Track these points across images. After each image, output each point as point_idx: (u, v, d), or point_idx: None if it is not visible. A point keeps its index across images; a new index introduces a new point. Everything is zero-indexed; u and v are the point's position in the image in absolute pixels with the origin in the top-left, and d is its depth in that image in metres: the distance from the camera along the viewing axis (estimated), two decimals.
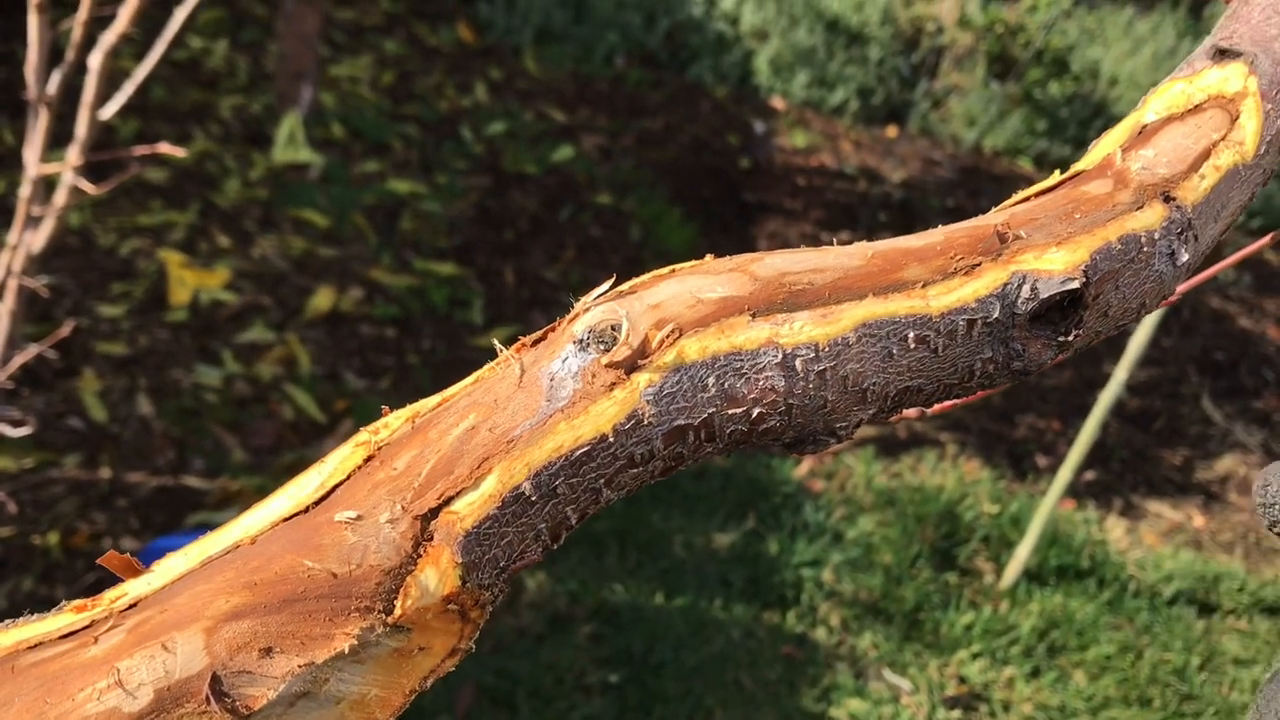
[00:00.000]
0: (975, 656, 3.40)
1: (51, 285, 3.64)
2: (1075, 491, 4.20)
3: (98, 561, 0.40)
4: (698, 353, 0.44)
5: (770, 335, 0.44)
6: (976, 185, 6.02)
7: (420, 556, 0.41)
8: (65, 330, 1.85)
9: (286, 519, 0.41)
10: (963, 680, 3.32)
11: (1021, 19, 6.75)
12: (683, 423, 0.43)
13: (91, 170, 1.92)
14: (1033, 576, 3.69)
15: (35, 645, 0.38)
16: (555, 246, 4.74)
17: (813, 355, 0.44)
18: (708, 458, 0.44)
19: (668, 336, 0.43)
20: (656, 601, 3.34)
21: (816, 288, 0.46)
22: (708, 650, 3.24)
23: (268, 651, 0.38)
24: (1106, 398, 3.21)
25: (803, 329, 0.44)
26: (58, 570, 3.08)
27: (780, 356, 0.44)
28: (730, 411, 0.44)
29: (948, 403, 0.58)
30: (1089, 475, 4.34)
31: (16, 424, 1.68)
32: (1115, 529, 4.09)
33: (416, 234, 4.52)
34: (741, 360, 0.44)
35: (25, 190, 1.86)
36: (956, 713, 3.18)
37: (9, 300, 2.05)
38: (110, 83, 1.93)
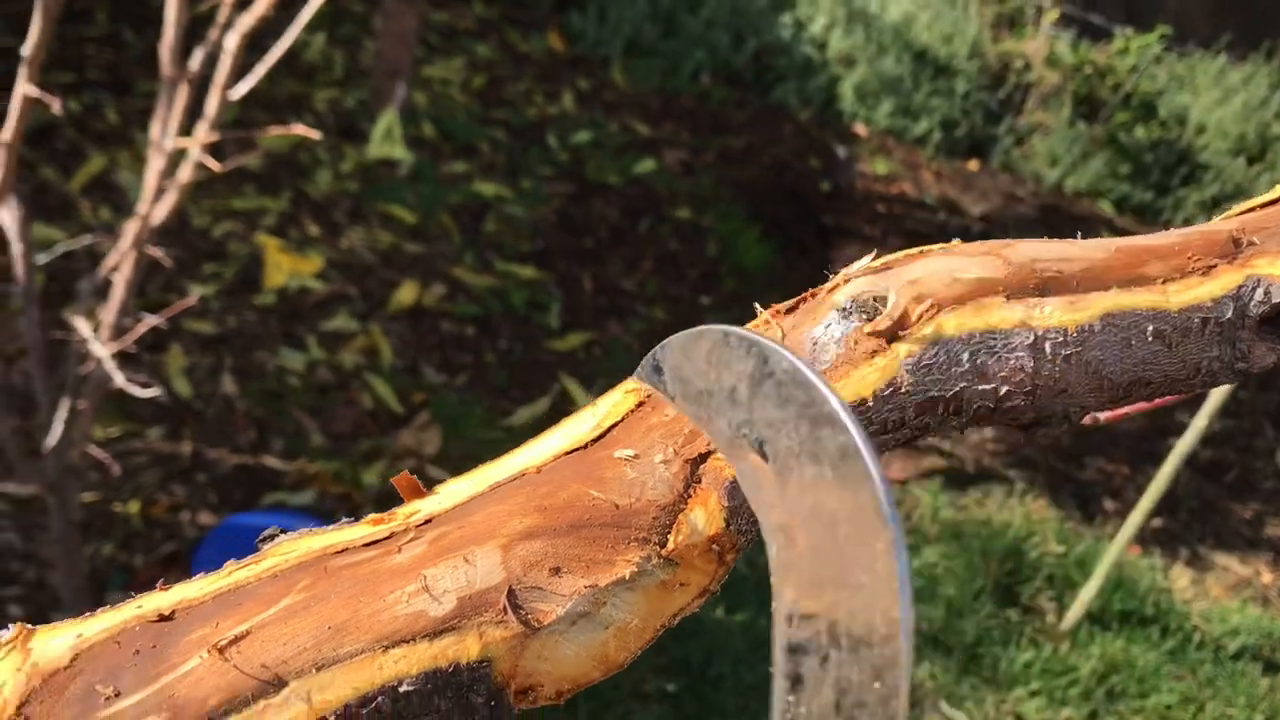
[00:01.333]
0: (1033, 695, 3.37)
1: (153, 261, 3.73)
2: (1141, 538, 4.16)
3: (391, 480, 0.43)
4: (955, 328, 0.46)
5: (1024, 317, 0.47)
6: (1057, 224, 5.99)
7: (690, 497, 0.44)
8: (191, 300, 1.91)
9: (567, 453, 0.44)
10: (1019, 718, 3.30)
11: (1111, 61, 6.71)
12: (935, 394, 0.46)
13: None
14: (1095, 619, 3.65)
15: (342, 550, 0.41)
16: (633, 257, 4.78)
17: (1061, 340, 0.47)
18: (949, 431, 0.47)
19: (927, 311, 0.46)
20: (717, 615, 3.35)
21: (1065, 276, 0.48)
22: (766, 668, 3.23)
23: (557, 571, 0.41)
24: (1183, 445, 3.17)
25: (1053, 314, 0.47)
26: (137, 539, 3.15)
27: (1032, 338, 0.47)
28: (980, 388, 0.46)
29: (1120, 410, 0.60)
30: (1156, 523, 4.29)
31: (144, 385, 1.74)
32: (1181, 578, 4.03)
33: (499, 236, 4.58)
34: (995, 339, 0.46)
35: (157, 164, 1.93)
36: None
37: (126, 269, 2.12)
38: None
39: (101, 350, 1.66)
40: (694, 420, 0.45)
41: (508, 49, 6.00)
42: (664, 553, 0.43)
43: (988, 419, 0.47)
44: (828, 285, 0.48)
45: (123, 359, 3.49)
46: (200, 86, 2.06)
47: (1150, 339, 0.48)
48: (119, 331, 2.12)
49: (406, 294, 4.07)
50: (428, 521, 0.42)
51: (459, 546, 0.41)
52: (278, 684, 0.37)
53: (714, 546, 0.44)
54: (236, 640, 0.38)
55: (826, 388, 0.38)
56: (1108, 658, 3.51)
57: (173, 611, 0.39)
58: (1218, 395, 3.05)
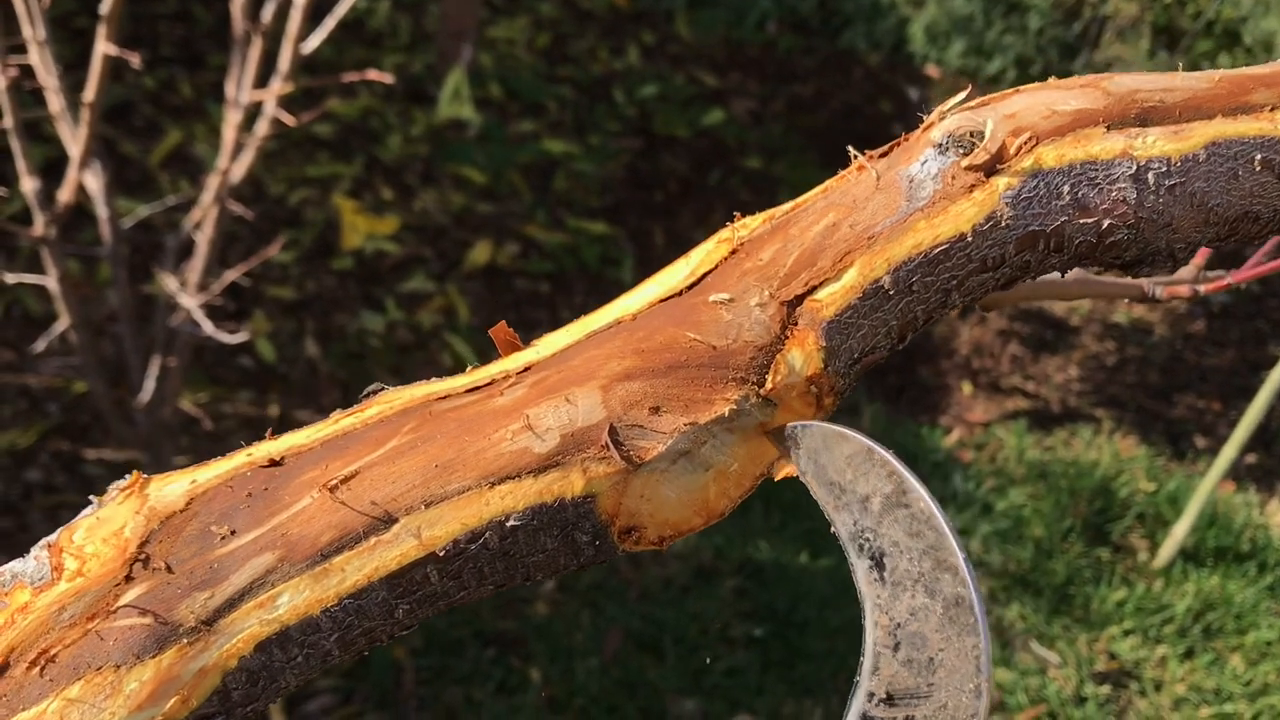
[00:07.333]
0: (1127, 634, 3.32)
1: (232, 229, 3.80)
2: (1235, 474, 4.05)
3: (489, 332, 0.43)
4: (1054, 160, 0.45)
5: (1125, 147, 0.45)
6: None
7: (787, 338, 0.43)
8: (274, 248, 1.95)
9: (662, 300, 0.44)
10: (1113, 656, 3.25)
11: None
12: (1036, 228, 0.45)
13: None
14: (1189, 556, 3.57)
15: (444, 396, 0.42)
16: (704, 209, 4.75)
17: (1164, 170, 0.45)
18: (1049, 270, 0.46)
19: (1025, 143, 0.45)
20: (801, 561, 3.35)
21: (1167, 105, 0.46)
22: (851, 612, 3.23)
23: (656, 410, 0.41)
24: (1276, 377, 3.08)
25: (1155, 143, 0.45)
26: None
27: (1134, 169, 0.45)
28: (1081, 221, 0.45)
29: (1259, 269, 0.58)
30: (1250, 458, 4.18)
31: (232, 332, 1.78)
32: (1278, 514, 3.93)
33: (570, 193, 4.59)
34: (1096, 170, 0.45)
35: (235, 118, 1.96)
36: (1106, 688, 3.11)
37: (208, 226, 2.16)
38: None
39: (189, 301, 1.70)
40: (819, 501, 0.47)
41: (570, 6, 5.97)
42: (762, 392, 0.42)
43: (1090, 255, 0.45)
44: (923, 124, 0.47)
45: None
46: (271, 45, 2.08)
47: (1258, 169, 0.46)
48: (203, 287, 2.17)
49: (481, 253, 4.11)
50: (527, 369, 0.43)
51: (560, 388, 0.41)
52: (388, 520, 0.38)
53: (812, 388, 0.43)
54: (346, 480, 0.39)
55: (955, 539, 0.41)
56: (1203, 594, 3.44)
57: (282, 457, 0.40)
58: None
